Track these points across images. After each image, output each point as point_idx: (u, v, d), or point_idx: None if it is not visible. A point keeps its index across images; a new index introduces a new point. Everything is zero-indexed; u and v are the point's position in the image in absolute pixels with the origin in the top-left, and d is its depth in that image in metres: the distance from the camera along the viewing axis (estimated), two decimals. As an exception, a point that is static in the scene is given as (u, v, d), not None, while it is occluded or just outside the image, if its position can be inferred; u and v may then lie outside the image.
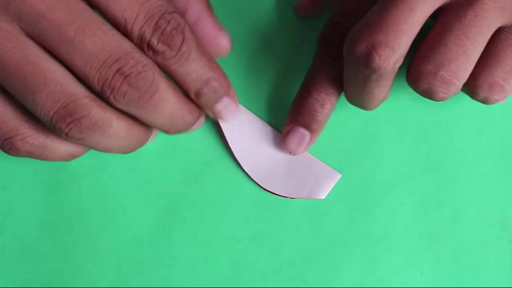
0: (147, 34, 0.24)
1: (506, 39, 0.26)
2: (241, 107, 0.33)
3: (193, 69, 0.26)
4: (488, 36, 0.26)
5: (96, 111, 0.25)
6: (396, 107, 0.33)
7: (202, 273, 0.33)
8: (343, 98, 0.33)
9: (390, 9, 0.25)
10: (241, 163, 0.32)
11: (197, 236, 0.33)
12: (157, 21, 0.24)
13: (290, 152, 0.32)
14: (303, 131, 0.31)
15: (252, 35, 0.33)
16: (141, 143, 0.29)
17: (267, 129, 0.33)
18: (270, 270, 0.33)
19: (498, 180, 0.33)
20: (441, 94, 0.26)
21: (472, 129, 0.33)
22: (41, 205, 0.33)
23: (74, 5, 0.24)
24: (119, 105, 0.25)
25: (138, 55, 0.24)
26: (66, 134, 0.25)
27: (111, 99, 0.25)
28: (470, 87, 0.27)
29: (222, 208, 0.33)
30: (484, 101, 0.27)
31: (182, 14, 0.26)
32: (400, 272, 0.33)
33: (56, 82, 0.24)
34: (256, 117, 0.33)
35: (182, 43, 0.25)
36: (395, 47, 0.25)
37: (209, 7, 0.27)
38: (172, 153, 0.33)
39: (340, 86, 0.30)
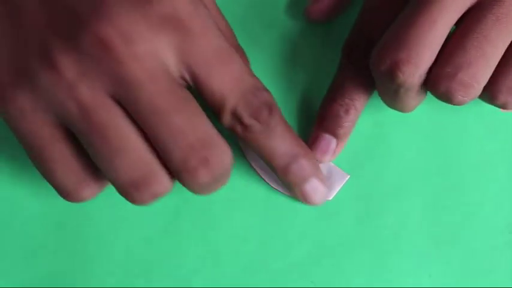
0: (240, 110, 0.25)
1: None
2: None
3: (281, 143, 0.27)
4: (509, 40, 0.26)
5: (168, 181, 0.26)
6: (406, 109, 0.33)
7: (211, 274, 0.33)
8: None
9: (412, 25, 0.26)
10: (250, 161, 0.33)
11: (205, 236, 0.33)
12: (249, 97, 0.25)
13: (317, 160, 0.32)
14: (328, 137, 0.32)
15: (277, 42, 0.34)
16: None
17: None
18: (278, 271, 0.33)
19: (508, 184, 0.33)
20: (460, 97, 0.26)
21: (482, 133, 0.33)
22: (50, 205, 0.33)
23: (172, 81, 0.24)
24: (190, 188, 0.26)
25: (223, 143, 0.25)
26: (133, 199, 0.25)
27: (185, 180, 0.25)
28: (490, 92, 0.27)
29: (231, 209, 0.33)
30: (504, 106, 0.27)
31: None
32: (409, 274, 0.33)
33: (138, 151, 0.24)
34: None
35: (269, 116, 0.26)
36: (418, 63, 0.25)
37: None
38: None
39: (365, 92, 0.31)
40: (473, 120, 0.33)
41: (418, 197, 0.33)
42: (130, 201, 0.26)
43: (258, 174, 0.33)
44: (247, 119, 0.26)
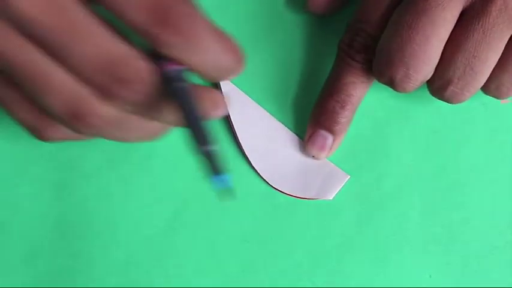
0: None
1: None
2: (253, 103, 0.33)
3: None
4: (502, 47, 0.26)
5: (104, 109, 0.24)
6: (406, 111, 0.33)
7: (211, 274, 0.33)
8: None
9: (408, 41, 0.27)
10: (250, 160, 0.33)
11: (206, 236, 0.33)
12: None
13: (313, 156, 0.32)
14: (325, 133, 0.32)
15: (273, 37, 0.33)
16: (161, 131, 0.27)
17: (278, 126, 0.33)
18: (278, 272, 0.33)
19: (508, 185, 0.33)
20: (456, 103, 0.29)
21: (482, 134, 0.33)
22: (50, 205, 0.33)
23: (67, 9, 0.23)
24: (121, 107, 0.24)
25: (133, 60, 0.23)
26: (80, 131, 0.25)
27: (114, 103, 0.24)
28: (483, 89, 0.29)
29: (231, 210, 0.33)
30: (494, 97, 0.29)
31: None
32: (409, 275, 0.33)
33: (64, 84, 0.24)
34: (268, 114, 0.33)
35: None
36: (416, 78, 0.27)
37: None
38: (181, 154, 0.33)
39: (362, 88, 0.30)
40: (472, 121, 0.33)
41: (418, 197, 0.33)
42: (78, 133, 0.25)
43: (258, 175, 0.33)
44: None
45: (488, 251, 0.33)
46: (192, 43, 0.23)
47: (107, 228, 0.33)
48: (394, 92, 0.33)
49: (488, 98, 0.33)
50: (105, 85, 0.23)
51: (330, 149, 0.32)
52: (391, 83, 0.28)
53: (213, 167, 0.24)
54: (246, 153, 0.33)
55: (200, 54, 0.23)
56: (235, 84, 0.33)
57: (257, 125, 0.33)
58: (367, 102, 0.33)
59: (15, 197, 0.33)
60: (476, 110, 0.33)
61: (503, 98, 0.29)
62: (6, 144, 0.33)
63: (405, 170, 0.33)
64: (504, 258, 0.33)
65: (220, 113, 0.26)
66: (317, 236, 0.33)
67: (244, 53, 0.25)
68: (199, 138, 0.24)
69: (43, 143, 0.30)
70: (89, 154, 0.33)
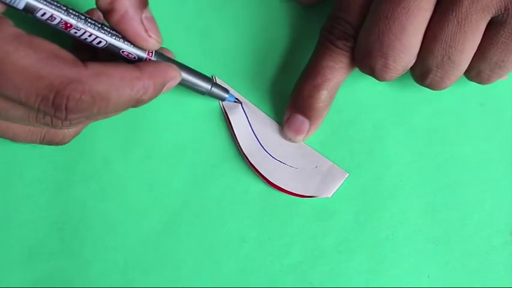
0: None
1: (492, 37, 0.27)
2: (250, 104, 0.33)
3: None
4: (478, 35, 0.27)
5: (62, 131, 0.29)
6: (404, 110, 0.33)
7: (209, 275, 0.33)
8: (352, 101, 0.33)
9: (385, 31, 0.27)
10: (249, 158, 0.33)
11: (204, 237, 0.33)
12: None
13: (290, 139, 0.33)
14: (301, 118, 0.32)
15: (256, 21, 0.34)
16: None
17: (276, 126, 0.33)
18: (277, 272, 0.33)
19: (506, 185, 0.33)
20: (438, 89, 0.29)
21: (480, 133, 0.33)
22: (48, 205, 0.33)
23: None
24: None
25: (68, 86, 0.25)
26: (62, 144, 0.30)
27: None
28: (463, 73, 0.29)
29: (229, 210, 0.33)
30: (478, 83, 0.30)
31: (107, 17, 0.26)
32: (407, 275, 0.33)
33: (23, 129, 0.28)
34: (264, 114, 0.33)
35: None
36: (396, 67, 0.28)
37: (138, 5, 0.26)
38: (180, 155, 0.33)
39: (339, 73, 0.30)
40: (471, 121, 0.33)
41: (417, 197, 0.33)
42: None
43: (256, 175, 0.33)
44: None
45: (486, 251, 0.33)
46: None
47: (105, 229, 0.33)
48: (392, 93, 0.33)
49: (486, 98, 0.33)
50: (51, 113, 0.24)
51: (307, 132, 0.32)
52: (372, 73, 0.29)
53: (220, 95, 0.32)
54: (244, 151, 0.33)
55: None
56: (224, 77, 0.33)
57: (255, 125, 0.33)
58: (365, 103, 0.33)
59: (13, 199, 0.33)
60: (473, 110, 0.33)
61: (486, 84, 0.29)
62: (4, 146, 0.33)
63: (403, 170, 0.33)
64: (502, 258, 0.33)
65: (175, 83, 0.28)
66: (315, 236, 0.33)
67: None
68: (200, 86, 0.30)
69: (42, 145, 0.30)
70: (87, 156, 0.33)
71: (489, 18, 0.27)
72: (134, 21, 0.26)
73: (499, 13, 0.26)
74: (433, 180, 0.33)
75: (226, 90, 0.32)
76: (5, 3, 0.24)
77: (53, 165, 0.33)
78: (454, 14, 0.26)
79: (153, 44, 0.27)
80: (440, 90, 0.29)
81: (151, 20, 0.27)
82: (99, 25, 0.26)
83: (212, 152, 0.33)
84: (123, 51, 0.27)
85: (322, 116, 0.32)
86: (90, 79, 0.24)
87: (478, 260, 0.33)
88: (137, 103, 0.26)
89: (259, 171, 0.33)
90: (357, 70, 0.30)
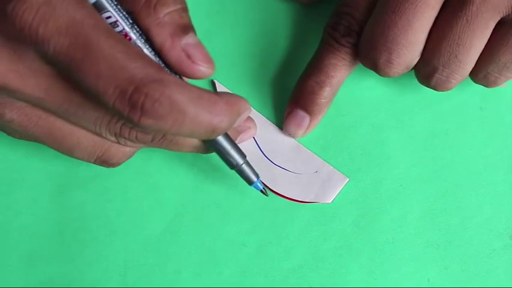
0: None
1: (502, 37, 0.27)
2: (251, 109, 0.33)
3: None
4: (486, 35, 0.27)
5: (126, 148, 0.28)
6: (404, 114, 0.33)
7: (209, 278, 0.33)
8: (352, 103, 0.33)
9: (390, 26, 0.27)
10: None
11: (204, 241, 0.33)
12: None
13: (290, 135, 0.33)
14: (302, 113, 0.32)
15: (259, 19, 0.34)
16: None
17: (276, 130, 0.33)
18: (277, 276, 0.33)
19: (506, 189, 0.33)
20: (443, 90, 0.29)
21: (480, 137, 0.33)
22: (49, 208, 0.33)
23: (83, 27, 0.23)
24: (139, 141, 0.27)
25: (152, 85, 0.23)
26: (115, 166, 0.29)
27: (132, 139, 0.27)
28: (470, 75, 0.29)
29: (229, 214, 0.33)
30: (483, 86, 0.30)
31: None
32: (407, 279, 0.33)
33: (87, 138, 0.27)
34: (265, 118, 0.33)
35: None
36: (399, 63, 0.28)
37: (175, 34, 0.25)
38: (180, 158, 0.33)
39: (342, 70, 0.31)
40: (471, 125, 0.34)
41: (416, 201, 0.33)
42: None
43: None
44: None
45: (486, 255, 0.33)
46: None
47: (105, 233, 0.33)
48: (393, 97, 0.33)
49: (486, 102, 0.33)
50: (125, 111, 0.23)
51: (307, 128, 0.32)
52: (375, 68, 0.29)
53: (247, 177, 0.30)
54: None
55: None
56: (224, 80, 0.33)
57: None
58: (366, 107, 0.33)
59: (14, 202, 0.33)
60: (473, 114, 0.33)
61: (492, 87, 0.29)
62: (5, 150, 0.33)
63: (403, 174, 0.33)
64: (502, 261, 0.33)
65: (248, 137, 0.28)
66: (315, 239, 0.33)
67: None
68: (232, 158, 0.29)
69: (41, 145, 0.30)
70: (87, 159, 0.33)
71: (498, 19, 0.26)
72: (173, 50, 0.25)
73: (510, 13, 0.26)
74: (433, 184, 0.33)
75: (256, 174, 0.30)
76: None
77: (54, 169, 0.33)
78: (463, 11, 0.26)
79: (199, 70, 0.25)
80: (446, 91, 0.29)
81: (197, 46, 0.25)
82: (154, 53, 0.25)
83: (213, 155, 0.33)
84: None
85: (323, 112, 0.32)
86: (172, 85, 0.22)
87: (478, 264, 0.33)
88: (213, 132, 0.24)
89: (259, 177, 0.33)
90: (358, 73, 0.30)
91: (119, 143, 0.27)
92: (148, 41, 0.25)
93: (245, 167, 0.29)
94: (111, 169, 0.33)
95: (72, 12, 0.22)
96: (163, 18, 0.25)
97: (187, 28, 0.26)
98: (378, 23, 0.28)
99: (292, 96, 0.32)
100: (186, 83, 0.23)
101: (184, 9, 0.26)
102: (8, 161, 0.33)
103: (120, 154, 0.28)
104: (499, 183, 0.33)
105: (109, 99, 0.22)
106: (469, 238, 0.33)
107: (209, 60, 0.26)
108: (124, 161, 0.29)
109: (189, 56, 0.25)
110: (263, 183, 0.32)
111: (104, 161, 0.28)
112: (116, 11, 0.24)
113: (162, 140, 0.27)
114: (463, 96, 0.33)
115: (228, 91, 0.33)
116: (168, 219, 0.33)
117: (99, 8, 0.24)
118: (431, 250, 0.33)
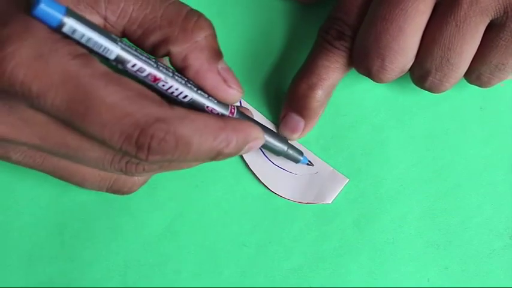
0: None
1: (492, 40, 0.27)
2: (251, 108, 0.33)
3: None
4: (477, 38, 0.27)
5: (132, 179, 0.29)
6: (404, 114, 0.33)
7: (210, 278, 0.33)
8: (352, 103, 0.33)
9: (382, 32, 0.27)
10: (250, 165, 0.33)
11: (204, 241, 0.33)
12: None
13: (286, 137, 0.33)
14: (296, 117, 0.32)
15: (254, 21, 0.34)
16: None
17: (276, 130, 0.33)
18: (277, 276, 0.33)
19: (506, 188, 0.33)
20: (437, 92, 0.30)
21: (480, 137, 0.33)
22: (49, 208, 0.33)
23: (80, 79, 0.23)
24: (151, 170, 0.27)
25: (152, 126, 0.23)
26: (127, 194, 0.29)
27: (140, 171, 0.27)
28: (464, 76, 0.29)
29: (230, 214, 0.33)
30: (478, 86, 0.30)
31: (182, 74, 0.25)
32: (407, 279, 0.33)
33: (93, 174, 0.27)
34: (265, 119, 0.33)
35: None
36: (392, 68, 0.28)
37: (212, 58, 0.26)
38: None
39: (335, 72, 0.30)
40: (471, 125, 0.34)
41: (416, 201, 0.33)
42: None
43: (257, 179, 0.33)
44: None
45: (486, 255, 0.33)
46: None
47: (105, 233, 0.33)
48: (393, 97, 0.33)
49: (486, 102, 0.33)
50: (132, 152, 0.23)
51: (303, 131, 0.32)
52: (369, 74, 0.29)
53: (294, 158, 0.31)
54: (245, 158, 0.33)
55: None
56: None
57: None
58: (366, 107, 0.33)
59: (13, 202, 0.33)
60: (473, 114, 0.33)
61: (487, 87, 0.30)
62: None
63: (403, 174, 0.33)
64: (502, 261, 0.33)
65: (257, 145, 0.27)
66: (315, 240, 0.33)
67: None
68: (277, 147, 0.30)
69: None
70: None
71: (488, 21, 0.27)
72: (211, 73, 0.25)
73: (498, 16, 0.26)
74: (433, 184, 0.33)
75: (300, 153, 0.31)
76: (96, 53, 0.23)
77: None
78: (452, 16, 0.26)
79: (233, 94, 0.26)
80: (440, 92, 0.29)
81: (229, 70, 0.26)
82: (185, 80, 0.25)
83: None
84: (207, 107, 0.26)
85: (318, 115, 0.32)
86: (175, 120, 0.23)
87: (478, 264, 0.33)
88: (217, 155, 0.25)
89: (259, 178, 0.33)
90: (356, 74, 0.30)
91: (127, 175, 0.27)
92: (180, 70, 0.25)
93: (290, 151, 0.31)
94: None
95: (66, 65, 0.22)
96: (200, 42, 0.25)
97: (220, 52, 0.26)
98: (369, 29, 0.28)
99: (286, 99, 0.32)
100: (192, 113, 0.24)
101: (215, 34, 0.26)
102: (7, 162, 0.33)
103: (130, 184, 0.29)
104: (499, 183, 0.33)
105: (115, 144, 0.23)
106: (469, 238, 0.33)
107: (240, 85, 0.27)
108: (138, 188, 0.29)
109: (224, 80, 0.26)
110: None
111: (116, 191, 0.29)
112: (138, 58, 0.24)
113: (170, 165, 0.27)
114: (462, 96, 0.33)
115: (249, 106, 0.33)
116: (168, 219, 0.33)
117: (121, 61, 0.24)
118: (431, 250, 0.33)
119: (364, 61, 0.29)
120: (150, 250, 0.33)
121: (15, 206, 0.33)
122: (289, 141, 0.31)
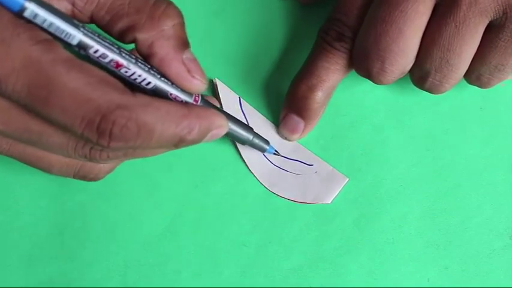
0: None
1: (491, 41, 0.27)
2: (250, 108, 0.33)
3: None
4: (477, 38, 0.27)
5: (98, 166, 0.28)
6: (404, 114, 0.33)
7: (209, 278, 0.33)
8: (352, 103, 0.33)
9: (382, 34, 0.27)
10: (248, 165, 0.33)
11: (204, 241, 0.33)
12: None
13: (285, 138, 0.33)
14: (296, 118, 0.32)
15: (254, 21, 0.34)
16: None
17: (276, 131, 0.33)
18: (277, 276, 0.33)
19: (506, 189, 0.33)
20: (437, 93, 0.30)
21: (480, 137, 0.33)
22: (49, 209, 0.33)
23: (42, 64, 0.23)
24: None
25: (115, 112, 0.24)
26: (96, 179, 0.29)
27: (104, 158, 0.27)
28: (463, 77, 0.29)
29: (229, 213, 0.33)
30: (478, 86, 0.30)
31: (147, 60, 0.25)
32: (407, 279, 0.33)
33: (59, 160, 0.27)
34: (265, 118, 0.33)
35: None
36: (392, 69, 0.28)
37: (178, 47, 0.26)
38: (180, 158, 0.33)
39: (334, 74, 0.30)
40: (471, 125, 0.34)
41: (416, 201, 0.33)
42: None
43: (256, 179, 0.33)
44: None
45: (486, 255, 0.33)
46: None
47: (105, 233, 0.33)
48: (393, 97, 0.33)
49: (486, 102, 0.33)
50: (94, 138, 0.23)
51: (302, 132, 0.32)
52: (369, 76, 0.29)
53: (261, 147, 0.32)
54: (244, 159, 0.33)
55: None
56: (223, 79, 0.33)
57: (254, 129, 0.33)
58: (366, 107, 0.33)
59: (13, 203, 0.33)
60: (473, 114, 0.33)
61: (486, 88, 0.29)
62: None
63: (403, 174, 0.33)
64: (502, 261, 0.33)
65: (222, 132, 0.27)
66: (315, 240, 0.33)
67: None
68: (242, 135, 0.30)
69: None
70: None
71: (487, 22, 0.27)
72: (175, 62, 0.25)
73: (497, 17, 0.26)
74: (433, 184, 0.33)
75: (266, 142, 0.32)
76: (59, 39, 0.23)
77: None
78: (452, 17, 0.26)
79: (197, 84, 0.26)
80: (440, 93, 0.29)
81: (194, 61, 0.26)
82: (148, 67, 0.25)
83: (212, 155, 0.33)
84: (171, 94, 0.26)
85: (317, 116, 0.32)
86: (137, 108, 0.23)
87: (478, 264, 0.33)
88: (180, 142, 0.25)
89: (258, 179, 0.33)
90: (356, 74, 0.30)
91: (92, 162, 0.27)
92: (146, 57, 0.25)
93: (256, 140, 0.31)
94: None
95: (28, 50, 0.22)
96: (167, 30, 0.25)
97: (187, 42, 0.26)
98: (369, 31, 0.28)
99: (285, 100, 0.32)
100: (154, 100, 0.24)
101: (184, 23, 0.26)
102: (8, 161, 0.33)
103: (96, 170, 0.29)
104: (499, 183, 0.33)
105: (77, 129, 0.23)
106: (469, 238, 0.33)
107: (204, 76, 0.26)
108: (105, 175, 0.29)
109: (188, 70, 0.26)
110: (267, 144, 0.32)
111: (82, 177, 0.29)
112: (100, 44, 0.24)
113: (134, 153, 0.27)
114: (463, 96, 0.33)
115: (229, 90, 0.33)
116: (168, 219, 0.33)
117: (83, 46, 0.24)
118: (431, 250, 0.33)
119: (364, 63, 0.29)
120: (150, 250, 0.33)
121: (15, 206, 0.33)
122: (254, 131, 0.31)
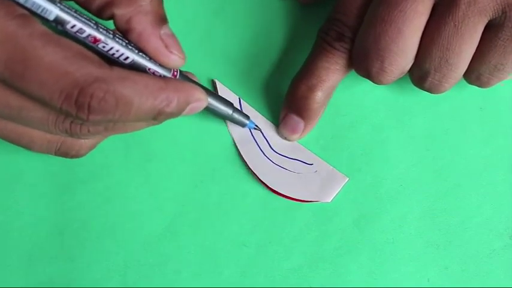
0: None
1: (490, 40, 0.27)
2: (250, 109, 0.33)
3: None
4: (476, 38, 0.27)
5: (79, 142, 0.28)
6: (404, 114, 0.33)
7: (209, 278, 0.33)
8: (352, 103, 0.33)
9: (381, 34, 0.27)
10: (249, 164, 0.33)
11: (204, 241, 0.33)
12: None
13: (285, 138, 0.33)
14: (296, 118, 0.32)
15: (254, 21, 0.34)
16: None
17: (276, 130, 0.33)
18: (277, 276, 0.33)
19: (506, 189, 0.33)
20: (437, 93, 0.30)
21: (479, 137, 0.33)
22: (49, 208, 0.33)
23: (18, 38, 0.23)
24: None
25: (93, 85, 0.24)
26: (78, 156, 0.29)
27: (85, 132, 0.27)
28: (463, 76, 0.29)
29: (229, 213, 0.33)
30: (478, 86, 0.30)
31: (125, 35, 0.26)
32: (407, 279, 0.33)
33: (40, 136, 0.27)
34: (265, 118, 0.33)
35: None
36: (391, 69, 0.28)
37: (156, 22, 0.26)
38: (180, 158, 0.33)
39: (334, 74, 0.30)
40: (471, 125, 0.34)
41: (417, 201, 0.33)
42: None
43: (257, 178, 0.33)
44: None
45: (486, 255, 0.33)
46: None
47: (105, 233, 0.33)
48: (393, 97, 0.33)
49: (486, 102, 0.33)
50: (73, 112, 0.24)
51: (302, 132, 0.32)
52: (368, 76, 0.29)
53: (240, 121, 0.32)
54: (244, 157, 0.33)
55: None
56: (223, 79, 0.33)
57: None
58: (366, 107, 0.33)
59: (13, 203, 0.33)
60: (473, 114, 0.33)
61: (486, 87, 0.29)
62: (5, 149, 0.33)
63: (403, 174, 0.33)
64: (502, 261, 0.33)
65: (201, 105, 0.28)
66: (315, 240, 0.33)
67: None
68: (222, 110, 0.30)
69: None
70: (87, 159, 0.33)
71: (486, 21, 0.27)
72: (153, 37, 0.26)
73: (496, 16, 0.26)
74: (433, 184, 0.33)
75: (247, 117, 0.32)
76: (36, 14, 0.24)
77: (53, 169, 0.33)
78: (450, 17, 0.26)
79: (174, 59, 0.26)
80: (440, 93, 0.30)
81: (172, 36, 0.26)
82: (126, 42, 0.25)
83: (212, 155, 0.33)
84: (149, 69, 0.26)
85: (317, 116, 0.32)
86: (115, 80, 0.23)
87: (478, 264, 0.33)
88: (158, 115, 0.25)
89: (258, 176, 0.33)
90: (356, 74, 0.30)
91: (73, 137, 0.27)
92: (124, 33, 0.26)
93: (235, 115, 0.31)
94: (111, 169, 0.33)
95: (5, 25, 0.22)
96: (145, 6, 0.25)
97: (165, 18, 0.26)
98: (369, 31, 0.28)
99: (285, 100, 0.32)
100: (132, 73, 0.24)
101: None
102: (8, 161, 0.33)
103: (77, 146, 0.29)
104: (499, 183, 0.33)
105: (56, 103, 0.23)
106: (469, 238, 0.33)
107: (182, 52, 0.27)
108: (87, 152, 0.29)
109: (166, 46, 0.26)
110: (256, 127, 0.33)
111: (64, 153, 0.28)
112: (77, 19, 0.24)
113: (114, 127, 0.27)
114: (462, 96, 0.33)
115: (229, 91, 0.33)
116: (168, 219, 0.33)
117: (60, 22, 0.24)
118: (431, 250, 0.33)
119: (364, 63, 0.29)
120: (150, 250, 0.33)
121: (15, 206, 0.33)
122: (234, 106, 0.31)
